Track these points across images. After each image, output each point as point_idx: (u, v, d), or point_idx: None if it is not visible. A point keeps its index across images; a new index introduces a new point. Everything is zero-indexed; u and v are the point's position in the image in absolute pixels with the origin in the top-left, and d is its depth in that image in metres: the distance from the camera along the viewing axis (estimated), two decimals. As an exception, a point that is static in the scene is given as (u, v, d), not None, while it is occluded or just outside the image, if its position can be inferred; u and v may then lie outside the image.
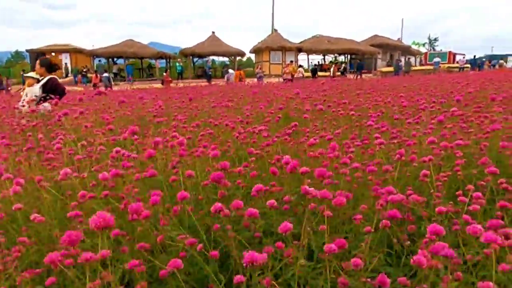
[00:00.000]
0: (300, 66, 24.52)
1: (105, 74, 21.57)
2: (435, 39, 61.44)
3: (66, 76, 26.52)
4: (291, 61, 23.24)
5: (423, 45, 48.89)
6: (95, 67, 25.54)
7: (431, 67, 29.14)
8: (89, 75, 23.62)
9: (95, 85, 19.83)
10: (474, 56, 32.15)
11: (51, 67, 4.84)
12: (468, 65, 29.81)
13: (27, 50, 31.13)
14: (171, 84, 17.56)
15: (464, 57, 32.65)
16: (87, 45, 31.60)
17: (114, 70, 22.32)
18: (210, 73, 23.09)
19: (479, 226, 1.11)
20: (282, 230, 1.19)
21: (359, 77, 21.11)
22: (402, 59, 33.52)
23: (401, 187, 1.83)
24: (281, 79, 18.25)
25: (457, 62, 31.40)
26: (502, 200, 1.44)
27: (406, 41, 39.70)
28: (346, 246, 1.14)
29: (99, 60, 27.34)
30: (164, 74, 21.12)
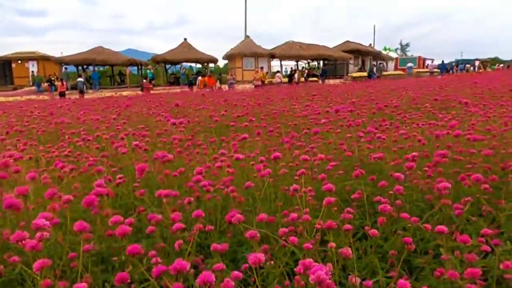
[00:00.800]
0: (278, 71, 24.98)
1: (79, 79, 21.23)
2: (407, 45, 62.79)
3: (33, 84, 25.77)
4: (261, 68, 23.30)
5: (395, 50, 49.91)
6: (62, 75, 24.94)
7: (402, 72, 29.89)
8: (56, 83, 22.98)
9: (61, 94, 19.36)
10: (443, 61, 33.06)
11: None
12: (437, 70, 30.59)
13: (-9, 58, 30.14)
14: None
15: (433, 62, 33.54)
16: (58, 53, 30.64)
17: (81, 79, 21.71)
18: (191, 79, 22.90)
19: None
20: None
21: (322, 82, 21.45)
22: (375, 64, 34.19)
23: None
24: (252, 85, 18.50)
25: (427, 67, 32.28)
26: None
27: (379, 47, 40.47)
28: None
29: (66, 68, 26.69)
30: (144, 80, 20.82)
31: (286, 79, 23.19)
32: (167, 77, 29.38)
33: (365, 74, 26.39)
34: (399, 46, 59.55)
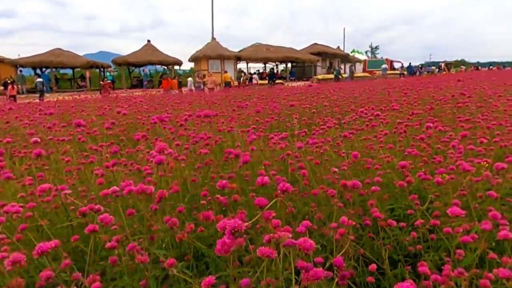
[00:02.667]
0: (254, 73, 24.83)
1: (38, 79, 20.21)
2: (376, 47, 64.17)
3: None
4: (225, 71, 22.76)
5: (365, 53, 50.46)
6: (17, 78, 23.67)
7: (369, 75, 30.14)
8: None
9: (12, 97, 18.30)
10: (410, 64, 33.52)
11: None
12: (405, 72, 31.00)
13: None
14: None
15: (402, 64, 33.96)
16: (16, 55, 29.18)
17: (40, 79, 20.59)
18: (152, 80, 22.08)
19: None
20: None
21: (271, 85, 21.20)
22: (343, 66, 34.34)
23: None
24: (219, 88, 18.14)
25: (396, 69, 32.78)
26: None
27: (349, 50, 40.71)
28: None
29: (20, 71, 25.30)
30: (102, 82, 19.80)
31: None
32: (131, 80, 28.38)
33: (331, 76, 26.32)
34: (369, 49, 60.53)
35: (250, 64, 30.95)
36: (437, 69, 35.28)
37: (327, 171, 2.21)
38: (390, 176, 2.09)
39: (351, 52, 40.11)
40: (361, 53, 44.05)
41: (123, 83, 26.71)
